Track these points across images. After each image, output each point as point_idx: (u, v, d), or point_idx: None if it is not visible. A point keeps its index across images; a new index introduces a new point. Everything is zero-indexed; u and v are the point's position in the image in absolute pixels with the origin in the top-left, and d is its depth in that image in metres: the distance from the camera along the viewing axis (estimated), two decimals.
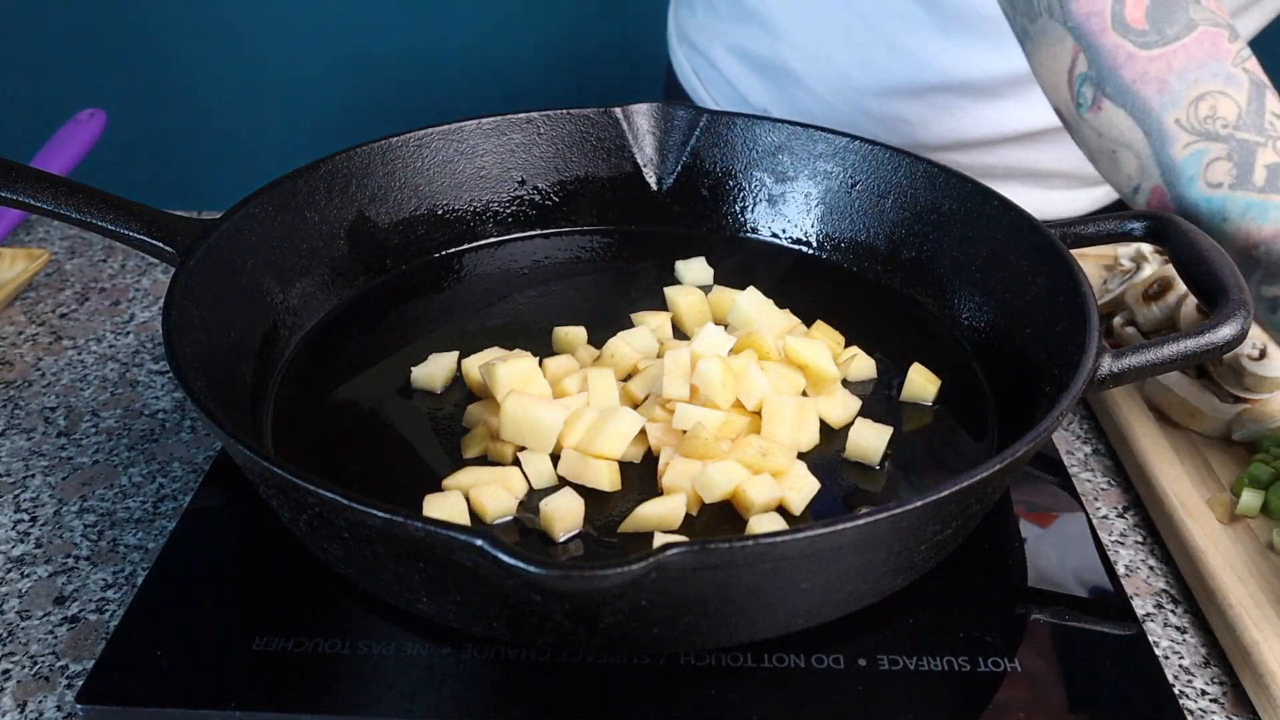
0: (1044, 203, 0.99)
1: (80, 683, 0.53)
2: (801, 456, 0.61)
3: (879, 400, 0.67)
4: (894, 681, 0.51)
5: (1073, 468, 0.71)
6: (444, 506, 0.56)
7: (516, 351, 0.66)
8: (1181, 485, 0.65)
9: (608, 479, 0.59)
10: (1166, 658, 0.58)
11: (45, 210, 0.63)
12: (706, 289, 0.75)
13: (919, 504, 0.46)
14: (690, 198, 0.82)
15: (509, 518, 0.57)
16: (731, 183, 0.81)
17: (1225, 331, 0.57)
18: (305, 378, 0.67)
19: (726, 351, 0.64)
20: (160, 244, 0.63)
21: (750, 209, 0.81)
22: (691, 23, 1.06)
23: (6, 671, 0.55)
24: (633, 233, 0.82)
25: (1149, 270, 0.79)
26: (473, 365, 0.65)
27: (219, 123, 1.95)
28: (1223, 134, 0.59)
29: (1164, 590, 0.62)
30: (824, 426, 0.64)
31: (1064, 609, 0.56)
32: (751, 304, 0.71)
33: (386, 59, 1.90)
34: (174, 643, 0.52)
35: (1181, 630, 0.60)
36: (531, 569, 0.42)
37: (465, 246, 0.79)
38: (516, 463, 0.60)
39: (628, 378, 0.66)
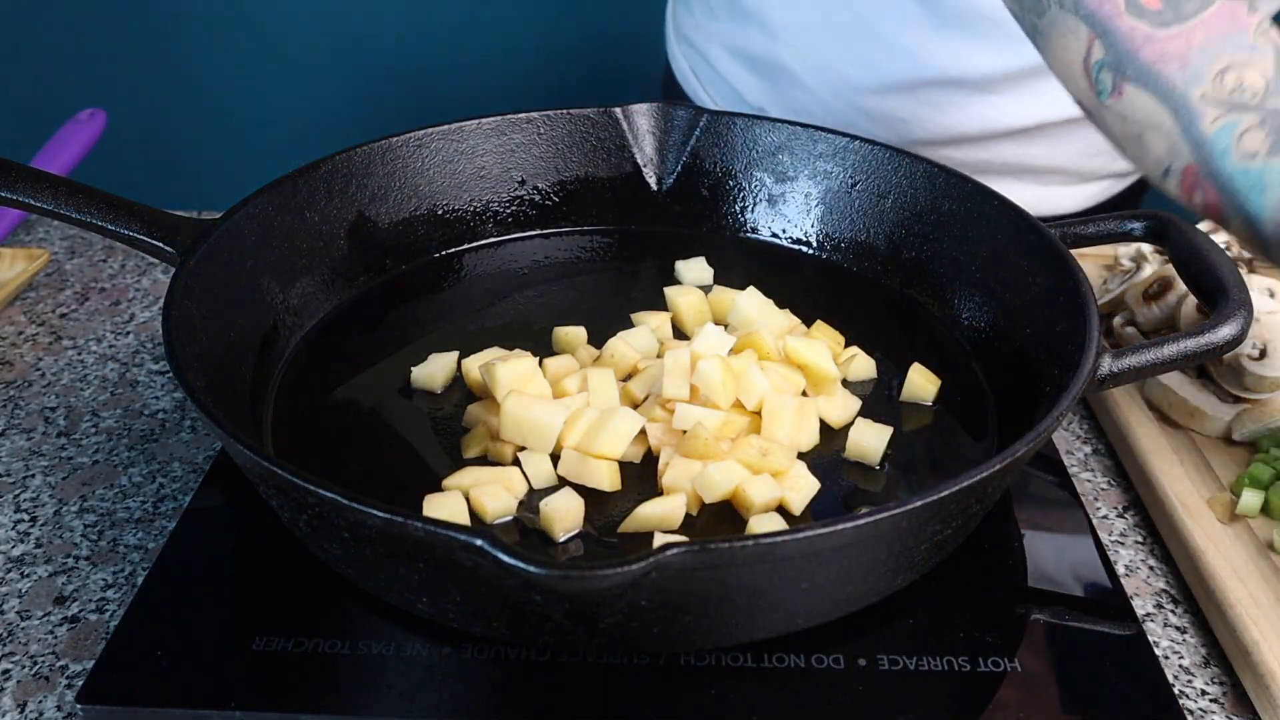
0: (1040, 199, 0.99)
1: (80, 683, 0.53)
2: (801, 456, 0.61)
3: (879, 400, 0.67)
4: (894, 681, 0.51)
5: (1073, 468, 0.71)
6: (444, 506, 0.56)
7: (516, 351, 0.66)
8: (1181, 485, 0.65)
9: (608, 479, 0.59)
10: (1166, 658, 0.58)
11: (45, 210, 0.63)
12: (706, 289, 0.75)
13: (919, 504, 0.46)
14: (690, 198, 0.82)
15: (509, 518, 0.57)
16: (731, 183, 0.81)
17: (1225, 331, 0.57)
18: (305, 378, 0.67)
19: (726, 351, 0.64)
20: (160, 244, 0.63)
21: (750, 209, 0.81)
22: (689, 22, 1.06)
23: (6, 671, 0.55)
24: (633, 233, 0.82)
25: (1149, 270, 0.79)
26: (473, 365, 0.65)
27: (219, 123, 1.94)
28: (1252, 104, 0.58)
29: (1164, 590, 0.62)
30: (824, 426, 0.64)
31: (1064, 609, 0.56)
32: (751, 304, 0.71)
33: (386, 59, 1.90)
34: (174, 643, 0.52)
35: (1181, 630, 0.60)
36: (531, 569, 0.42)
37: (465, 246, 0.79)
38: (516, 463, 0.60)
39: (628, 378, 0.66)
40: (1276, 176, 0.57)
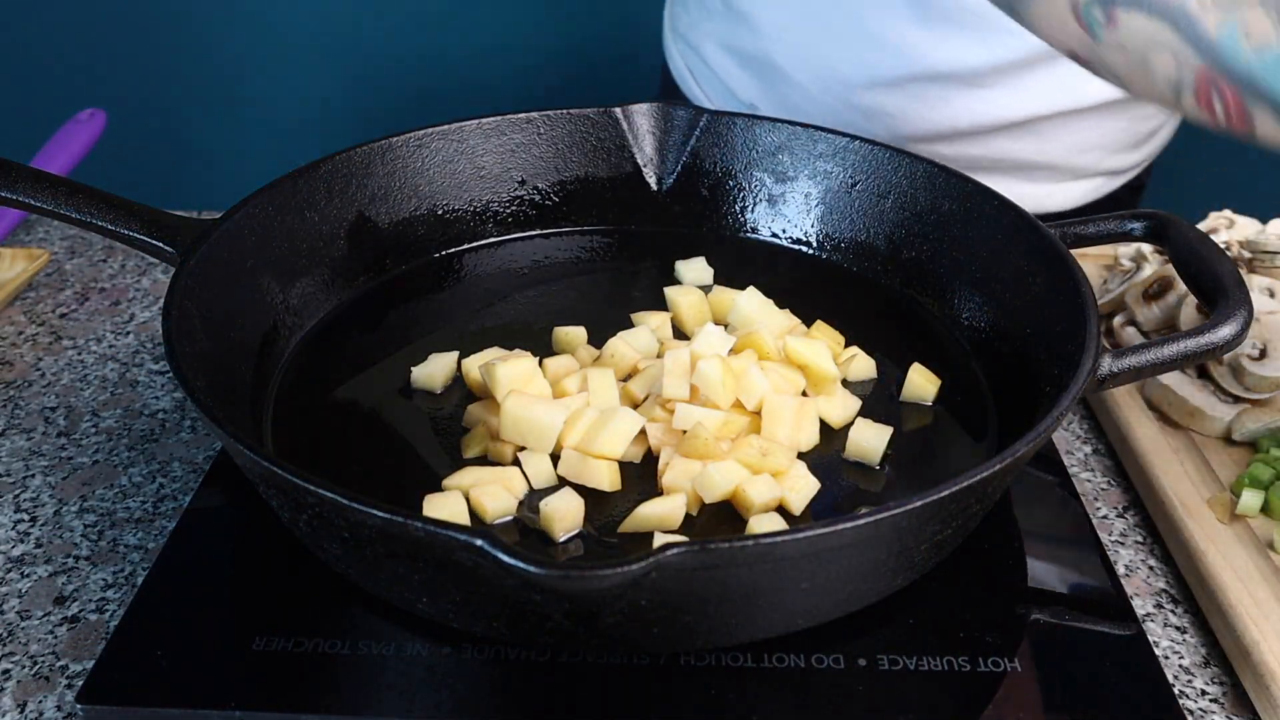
0: (1032, 197, 0.99)
1: (80, 683, 0.53)
2: (801, 456, 0.61)
3: (879, 400, 0.67)
4: (894, 681, 0.51)
5: (1073, 468, 0.71)
6: (444, 506, 0.56)
7: (516, 351, 0.65)
8: (1181, 485, 0.65)
9: (608, 479, 0.59)
10: (1166, 658, 0.58)
11: (45, 210, 0.63)
12: (706, 289, 0.75)
13: (919, 504, 0.46)
14: (690, 198, 0.82)
15: (509, 518, 0.57)
16: (731, 183, 0.81)
17: (1225, 331, 0.57)
18: (305, 378, 0.67)
19: (726, 351, 0.64)
20: (160, 244, 0.63)
21: (750, 209, 0.81)
22: (684, 19, 1.07)
23: (6, 671, 0.55)
24: (633, 233, 0.82)
25: (1149, 270, 0.79)
26: (473, 365, 0.65)
27: (219, 123, 1.94)
28: None
29: (1164, 590, 0.62)
30: (824, 426, 0.64)
31: (1064, 609, 0.56)
32: (751, 304, 0.71)
33: (387, 59, 1.90)
34: (174, 643, 0.52)
35: (1181, 630, 0.60)
36: (531, 569, 0.42)
37: (465, 246, 0.79)
38: (516, 463, 0.60)
39: (628, 378, 0.66)
40: None
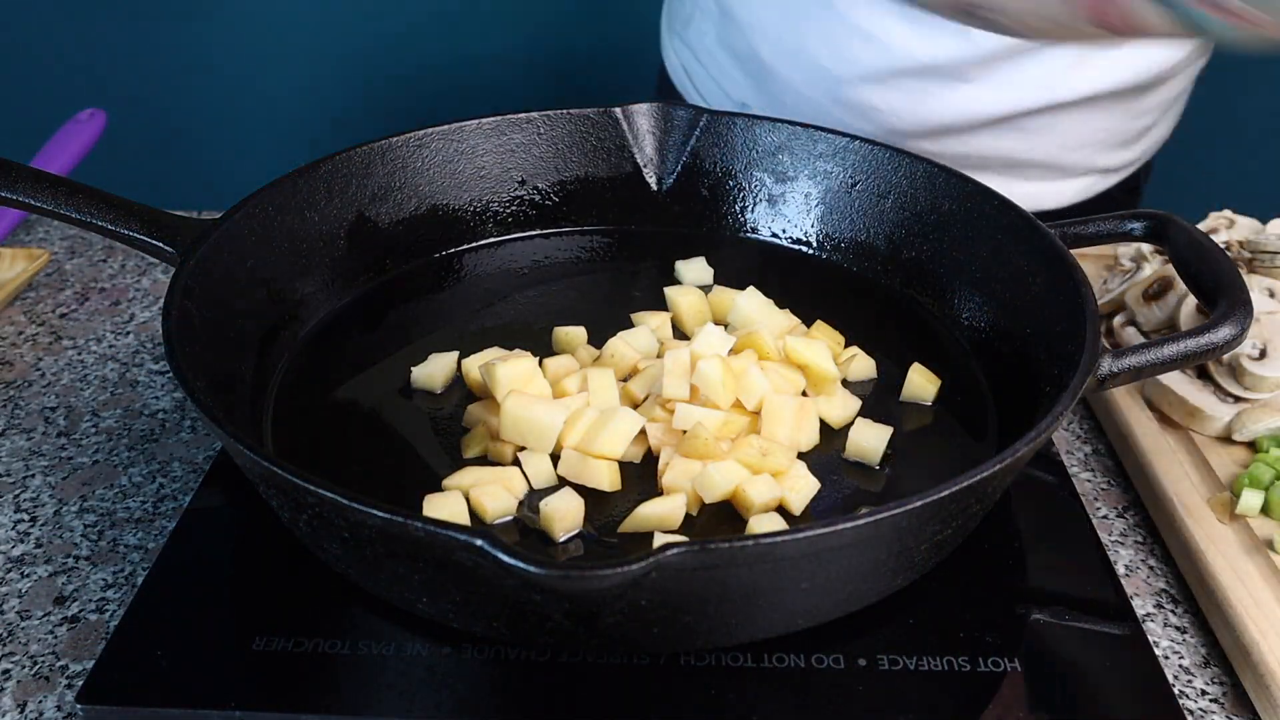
0: (1025, 195, 1.00)
1: (80, 683, 0.53)
2: (801, 456, 0.61)
3: (879, 400, 0.67)
4: (894, 681, 0.51)
5: (1073, 468, 0.71)
6: (444, 506, 0.56)
7: (516, 351, 0.65)
8: (1181, 485, 0.65)
9: (608, 479, 0.59)
10: (1166, 658, 0.58)
11: (45, 210, 0.63)
12: (706, 289, 0.75)
13: (919, 504, 0.46)
14: (690, 198, 0.82)
15: (509, 518, 0.57)
16: (731, 183, 0.81)
17: (1225, 331, 0.57)
18: (305, 378, 0.67)
19: (726, 351, 0.64)
20: (160, 244, 0.63)
21: (750, 209, 0.81)
22: (680, 19, 1.07)
23: (6, 671, 0.55)
24: (633, 233, 0.82)
25: (1149, 270, 0.79)
26: (473, 365, 0.65)
27: (219, 122, 1.94)
28: None
29: (1164, 590, 0.62)
30: (824, 426, 0.64)
31: (1064, 609, 0.56)
32: (751, 304, 0.71)
33: (387, 59, 1.90)
34: (174, 643, 0.52)
35: (1181, 630, 0.60)
36: (531, 569, 0.42)
37: (465, 246, 0.79)
38: (516, 463, 0.60)
39: (628, 378, 0.66)
40: None
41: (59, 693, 0.54)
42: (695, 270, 0.77)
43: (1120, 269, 0.82)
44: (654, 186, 0.82)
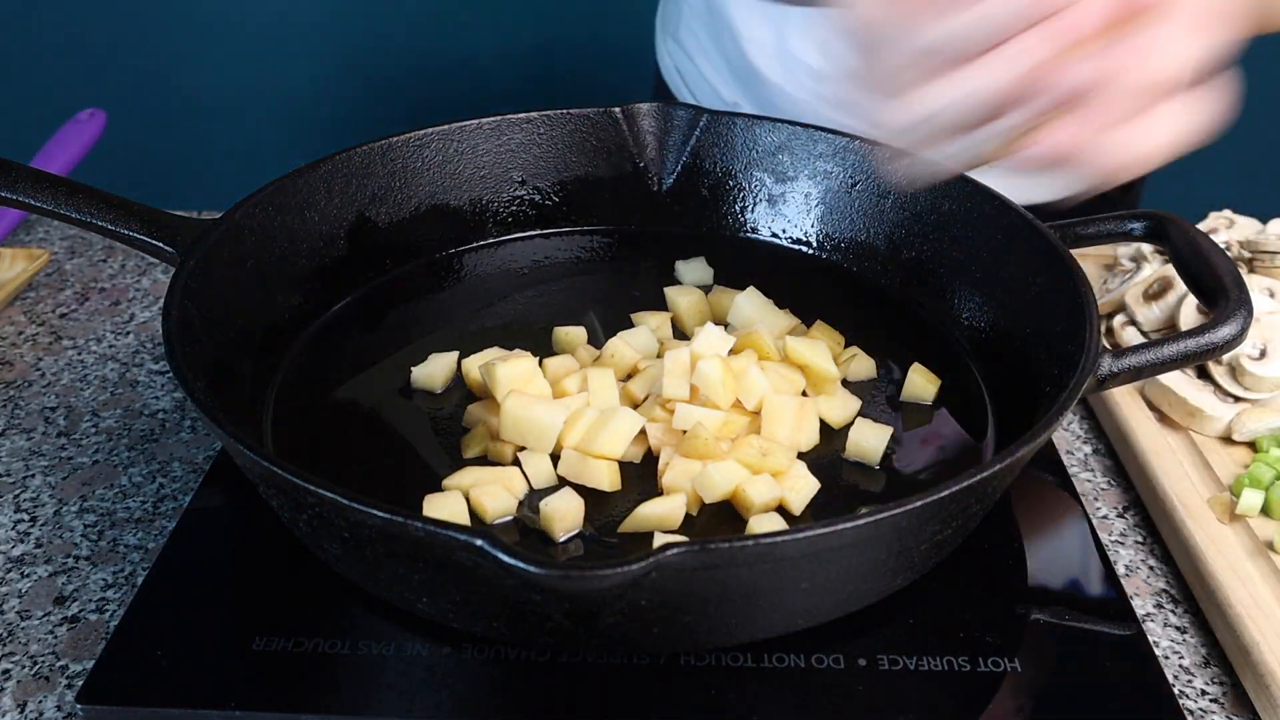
0: (1007, 186, 1.00)
1: (80, 683, 0.53)
2: (801, 456, 0.61)
3: (879, 400, 0.67)
4: (894, 681, 0.51)
5: (1073, 468, 0.71)
6: (444, 506, 0.56)
7: (516, 351, 0.65)
8: (1181, 485, 0.65)
9: (608, 479, 0.59)
10: (1166, 658, 0.58)
11: (45, 210, 0.63)
12: (706, 289, 0.75)
13: (919, 504, 0.46)
14: (690, 198, 0.82)
15: (509, 518, 0.57)
16: (731, 183, 0.81)
17: (1225, 331, 0.57)
18: (305, 378, 0.67)
19: (726, 351, 0.64)
20: (160, 244, 0.63)
21: (750, 209, 0.81)
22: (671, 19, 1.08)
23: (6, 671, 0.55)
24: (633, 233, 0.82)
25: (1149, 270, 0.79)
26: (473, 365, 0.65)
27: (219, 123, 1.94)
28: None
29: (1164, 590, 0.62)
30: (824, 426, 0.64)
31: (1064, 609, 0.56)
32: (751, 304, 0.71)
33: (386, 59, 1.90)
34: (174, 643, 0.52)
35: (1181, 630, 0.60)
36: (531, 569, 0.42)
37: (465, 246, 0.79)
38: (516, 463, 0.60)
39: (628, 378, 0.66)
40: None
41: (59, 693, 0.54)
42: (695, 270, 0.77)
43: (1120, 269, 0.82)
44: (654, 186, 0.82)
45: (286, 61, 1.90)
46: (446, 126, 0.77)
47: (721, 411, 0.61)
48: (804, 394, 0.65)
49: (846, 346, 0.70)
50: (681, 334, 0.72)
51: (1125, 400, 0.72)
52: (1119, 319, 0.77)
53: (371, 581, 0.52)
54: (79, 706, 0.50)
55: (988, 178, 1.00)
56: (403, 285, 0.76)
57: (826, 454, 0.62)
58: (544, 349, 0.68)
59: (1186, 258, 0.64)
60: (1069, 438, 0.74)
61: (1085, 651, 0.54)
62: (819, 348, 0.65)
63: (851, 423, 0.63)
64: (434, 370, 0.66)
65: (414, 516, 0.44)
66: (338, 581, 0.54)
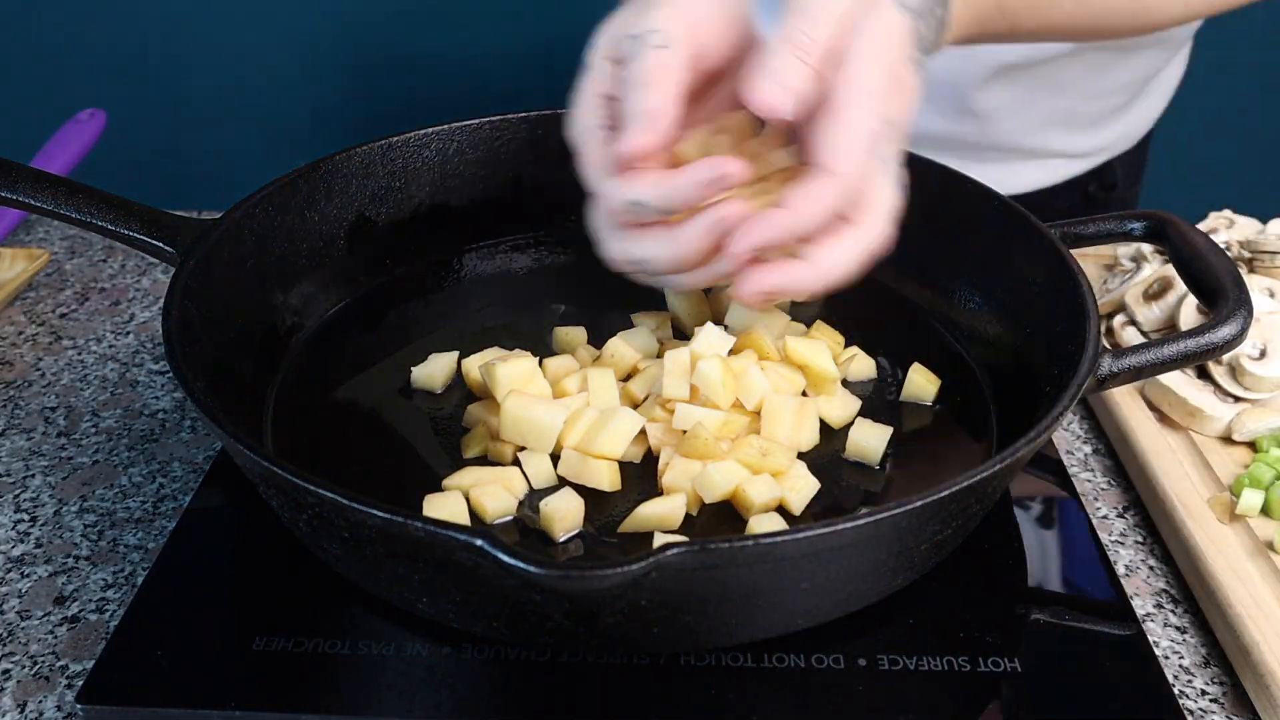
0: (987, 180, 1.01)
1: (80, 683, 0.53)
2: (801, 456, 0.61)
3: (879, 400, 0.67)
4: (894, 681, 0.51)
5: (1073, 468, 0.71)
6: (444, 506, 0.56)
7: (516, 351, 0.65)
8: (1181, 485, 0.65)
9: (608, 479, 0.59)
10: (1166, 658, 0.58)
11: (45, 210, 0.63)
12: (706, 289, 0.75)
13: (919, 504, 0.46)
14: None
15: (509, 518, 0.57)
16: None
17: (1225, 331, 0.57)
18: (305, 378, 0.67)
19: (726, 351, 0.64)
20: (160, 244, 0.63)
21: None
22: None
23: (6, 671, 0.55)
24: None
25: (1149, 270, 0.79)
26: (473, 365, 0.65)
27: (219, 123, 1.94)
28: None
29: (1164, 590, 0.62)
30: (824, 426, 0.64)
31: (1064, 609, 0.56)
32: None
33: (386, 59, 1.90)
34: (174, 643, 0.52)
35: (1181, 630, 0.60)
36: (531, 569, 0.42)
37: (465, 246, 0.79)
38: (516, 463, 0.60)
39: (628, 378, 0.66)
40: None
41: (59, 693, 0.54)
42: None
43: (1120, 269, 0.82)
44: None
45: (286, 62, 1.90)
46: (446, 126, 0.77)
47: (721, 411, 0.61)
48: (804, 394, 0.65)
49: (846, 346, 0.70)
50: (681, 334, 0.72)
51: (1125, 400, 0.72)
52: (1119, 319, 0.77)
53: (371, 581, 0.52)
54: (79, 706, 0.50)
55: (985, 169, 1.00)
56: (403, 285, 0.76)
57: (826, 454, 0.62)
58: (544, 349, 0.68)
59: (1186, 258, 0.64)
60: (1069, 438, 0.74)
61: (1085, 651, 0.54)
62: (819, 348, 0.65)
63: (851, 423, 0.63)
64: (434, 370, 0.66)
65: (414, 516, 0.44)
66: (338, 581, 0.54)
